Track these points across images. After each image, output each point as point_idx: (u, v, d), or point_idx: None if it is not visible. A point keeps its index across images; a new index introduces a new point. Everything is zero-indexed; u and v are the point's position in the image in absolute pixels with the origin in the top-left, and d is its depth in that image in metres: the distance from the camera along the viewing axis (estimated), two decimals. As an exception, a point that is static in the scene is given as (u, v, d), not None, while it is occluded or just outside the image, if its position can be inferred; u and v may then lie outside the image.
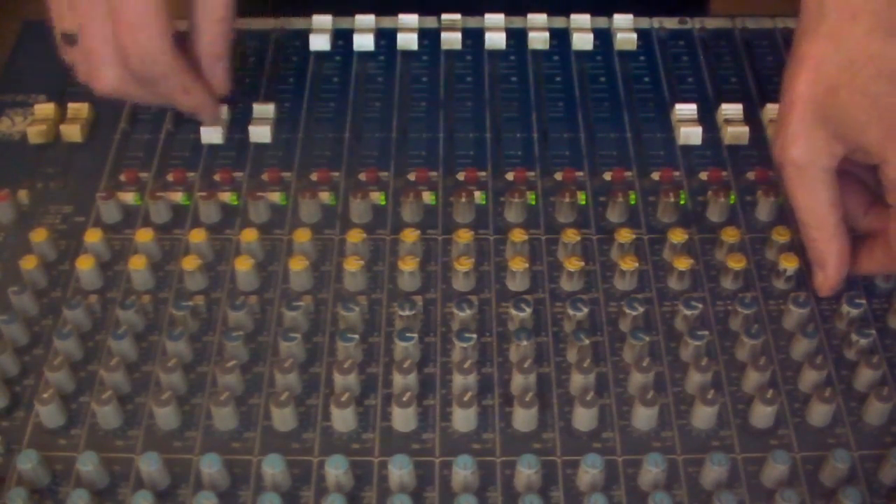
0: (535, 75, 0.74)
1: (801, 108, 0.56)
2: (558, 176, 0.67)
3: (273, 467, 0.51)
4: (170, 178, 0.66)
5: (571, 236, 0.61)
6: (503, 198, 0.65)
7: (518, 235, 0.61)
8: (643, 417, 0.54)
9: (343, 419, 0.54)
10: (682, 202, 0.65)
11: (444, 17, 0.77)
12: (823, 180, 0.57)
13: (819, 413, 0.54)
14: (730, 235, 0.61)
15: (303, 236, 0.61)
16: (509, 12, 0.77)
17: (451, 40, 0.76)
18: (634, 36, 0.76)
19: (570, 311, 0.58)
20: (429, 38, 0.76)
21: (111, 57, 0.60)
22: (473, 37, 0.76)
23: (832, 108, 0.55)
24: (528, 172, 0.67)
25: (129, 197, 0.65)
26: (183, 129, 0.70)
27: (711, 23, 0.78)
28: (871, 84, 0.54)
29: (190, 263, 0.60)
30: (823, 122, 0.56)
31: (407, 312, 0.58)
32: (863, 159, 0.57)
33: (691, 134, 0.69)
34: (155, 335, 0.58)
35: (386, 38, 0.76)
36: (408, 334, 0.57)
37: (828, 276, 0.59)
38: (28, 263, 0.60)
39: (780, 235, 0.61)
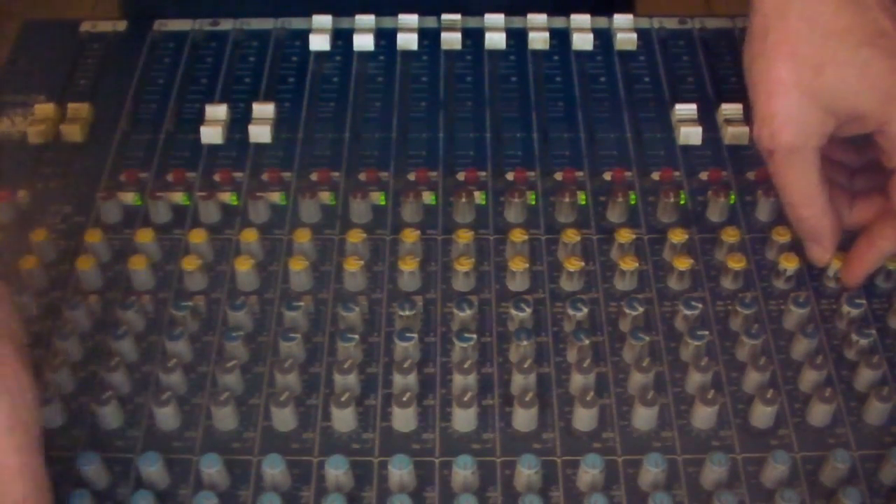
0: (535, 75, 0.74)
1: (786, 93, 0.56)
2: (558, 176, 0.67)
3: (273, 467, 0.51)
4: (170, 178, 0.66)
5: (571, 236, 0.61)
6: (503, 198, 0.65)
7: (518, 235, 0.61)
8: (643, 417, 0.54)
9: (343, 419, 0.54)
10: (682, 202, 0.65)
11: (444, 17, 0.77)
12: (813, 160, 0.57)
13: (819, 413, 0.54)
14: (730, 235, 0.61)
15: (303, 236, 0.61)
16: (509, 12, 0.77)
17: (451, 40, 0.76)
18: (634, 36, 0.76)
19: (570, 311, 0.58)
20: (429, 38, 0.76)
21: None
22: (473, 37, 0.76)
23: (821, 86, 0.56)
24: (528, 172, 0.67)
25: (129, 197, 0.65)
26: (183, 129, 0.70)
27: (711, 23, 0.78)
28: (856, 53, 0.55)
29: (190, 263, 0.60)
30: (814, 101, 0.56)
31: (407, 312, 0.58)
32: (857, 129, 0.58)
33: (691, 134, 0.69)
34: (155, 335, 0.58)
35: (386, 38, 0.76)
36: (408, 334, 0.56)
37: (826, 249, 0.60)
38: (28, 263, 0.60)
39: (780, 235, 0.61)
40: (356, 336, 0.57)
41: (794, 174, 0.58)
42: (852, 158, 0.62)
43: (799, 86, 0.56)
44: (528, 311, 0.58)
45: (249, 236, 0.61)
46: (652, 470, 0.51)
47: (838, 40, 0.56)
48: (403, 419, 0.54)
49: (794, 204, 0.59)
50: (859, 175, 0.62)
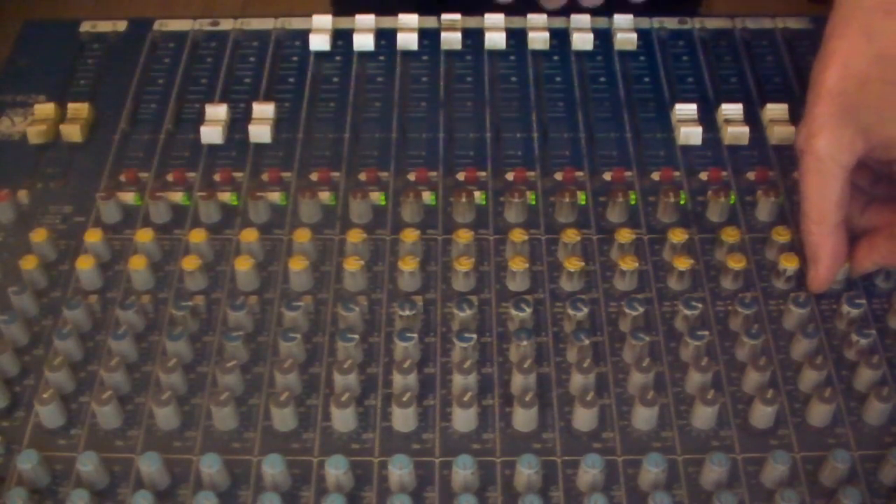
0: (535, 75, 0.74)
1: (829, 102, 0.56)
2: (558, 176, 0.67)
3: (273, 467, 0.51)
4: (170, 178, 0.66)
5: (571, 236, 0.61)
6: (503, 198, 0.65)
7: (518, 235, 0.61)
8: (643, 417, 0.54)
9: (343, 419, 0.54)
10: (682, 202, 0.65)
11: (444, 17, 0.77)
12: (838, 177, 0.57)
13: (819, 413, 0.54)
14: (730, 235, 0.61)
15: (303, 236, 0.61)
16: (509, 12, 0.77)
17: (451, 40, 0.76)
18: (634, 36, 0.76)
19: (570, 311, 0.58)
20: (429, 38, 0.76)
21: None
22: (473, 37, 0.76)
23: (861, 102, 0.56)
24: (528, 172, 0.67)
25: (129, 197, 0.65)
26: (183, 129, 0.70)
27: (711, 23, 0.78)
28: None
29: (190, 263, 0.60)
30: (851, 117, 0.56)
31: (407, 312, 0.58)
32: (882, 156, 0.57)
33: (691, 134, 0.69)
34: (155, 335, 0.58)
35: (386, 38, 0.76)
36: (408, 334, 0.56)
37: (818, 273, 0.59)
38: (28, 263, 0.60)
39: (780, 235, 0.61)
40: (356, 336, 0.57)
41: (816, 183, 0.58)
42: (880, 165, 0.62)
43: (843, 96, 0.56)
44: (528, 311, 0.58)
45: (249, 236, 0.61)
46: (652, 470, 0.51)
47: (890, 61, 0.55)
48: (403, 419, 0.54)
49: (805, 213, 0.58)
50: (882, 182, 0.62)
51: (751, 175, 0.67)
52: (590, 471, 0.51)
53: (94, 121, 0.71)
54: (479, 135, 0.70)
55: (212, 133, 0.69)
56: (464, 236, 0.61)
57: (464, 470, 0.51)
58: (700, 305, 0.58)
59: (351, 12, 0.77)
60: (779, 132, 0.68)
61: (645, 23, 0.77)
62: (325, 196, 0.65)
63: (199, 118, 0.70)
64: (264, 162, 0.68)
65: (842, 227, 0.58)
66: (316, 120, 0.71)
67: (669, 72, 0.74)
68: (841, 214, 0.58)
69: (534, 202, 0.65)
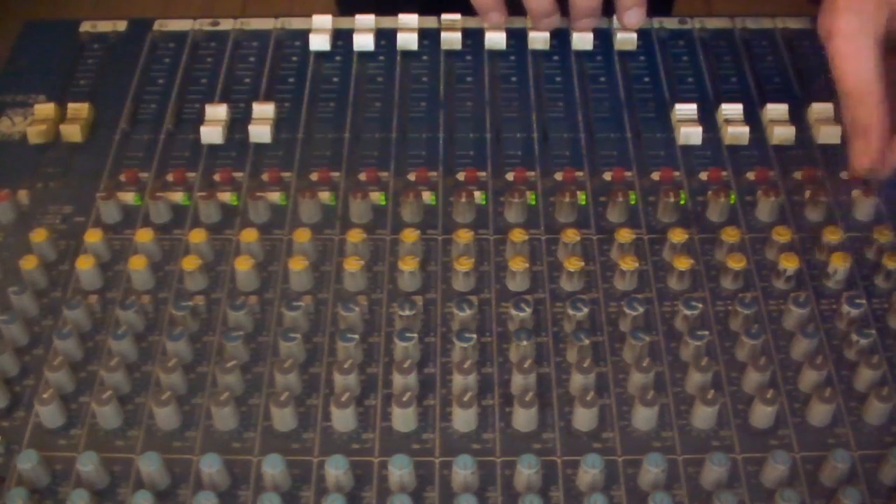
0: (535, 75, 0.74)
1: None
2: (558, 176, 0.67)
3: (273, 467, 0.51)
4: (170, 178, 0.66)
5: (571, 236, 0.61)
6: (503, 198, 0.65)
7: (518, 235, 0.61)
8: (643, 417, 0.54)
9: (343, 419, 0.54)
10: (682, 202, 0.65)
11: (444, 17, 0.77)
12: (872, 48, 0.57)
13: (819, 413, 0.54)
14: (730, 235, 0.61)
15: (303, 236, 0.61)
16: (510, 12, 0.77)
17: (451, 40, 0.76)
18: (634, 36, 0.76)
19: (570, 311, 0.58)
20: (429, 38, 0.76)
21: None
22: (473, 37, 0.76)
23: None
24: (528, 172, 0.67)
25: (129, 197, 0.65)
26: (183, 129, 0.70)
27: (711, 23, 0.78)
28: None
29: (190, 263, 0.60)
30: None
31: (407, 312, 0.58)
32: None
33: (691, 134, 0.69)
34: (155, 335, 0.58)
35: (386, 38, 0.76)
36: (408, 334, 0.57)
37: (869, 145, 0.58)
38: (28, 263, 0.60)
39: (780, 235, 0.61)
40: (356, 336, 0.57)
41: (851, 60, 0.57)
42: None
43: None
44: (528, 311, 0.58)
45: (249, 236, 0.61)
46: (652, 470, 0.51)
47: None
48: (403, 419, 0.54)
49: (849, 92, 0.58)
50: None
51: (751, 175, 0.67)
52: (590, 471, 0.51)
53: (94, 121, 0.71)
54: (479, 135, 0.70)
55: (212, 133, 0.69)
56: (464, 236, 0.61)
57: (464, 470, 0.51)
58: (700, 305, 0.58)
59: (354, 12, 0.77)
60: (779, 132, 0.68)
61: (645, 23, 0.77)
62: (325, 196, 0.65)
63: (199, 118, 0.70)
64: (264, 162, 0.68)
65: (885, 103, 0.57)
66: (316, 120, 0.71)
67: (669, 72, 0.74)
68: (884, 84, 0.57)
69: (534, 202, 0.65)
